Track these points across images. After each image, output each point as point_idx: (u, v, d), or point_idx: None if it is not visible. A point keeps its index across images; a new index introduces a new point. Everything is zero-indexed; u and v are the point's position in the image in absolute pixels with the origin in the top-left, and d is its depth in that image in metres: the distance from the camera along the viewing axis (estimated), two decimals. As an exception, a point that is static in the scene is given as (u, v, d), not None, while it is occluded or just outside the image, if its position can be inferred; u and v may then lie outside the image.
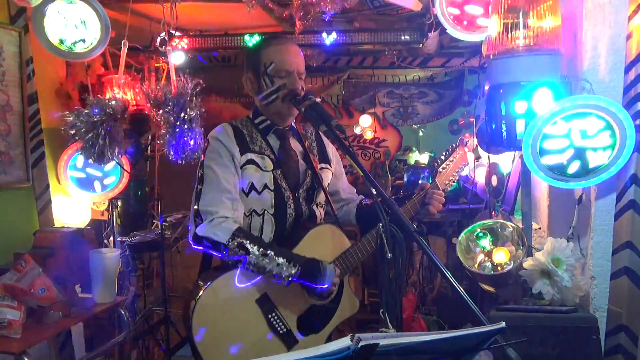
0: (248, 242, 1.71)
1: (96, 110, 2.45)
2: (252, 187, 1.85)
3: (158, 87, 2.51)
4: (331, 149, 2.14)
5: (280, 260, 1.70)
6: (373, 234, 1.82)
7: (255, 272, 1.74)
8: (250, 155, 1.87)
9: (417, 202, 1.94)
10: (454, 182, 2.06)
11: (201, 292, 1.72)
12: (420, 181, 2.09)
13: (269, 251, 1.71)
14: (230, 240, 1.71)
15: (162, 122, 2.45)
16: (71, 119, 2.44)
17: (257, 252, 1.70)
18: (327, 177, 2.05)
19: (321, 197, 2.01)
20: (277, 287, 1.77)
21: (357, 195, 2.19)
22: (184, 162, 2.50)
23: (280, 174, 1.89)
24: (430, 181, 2.02)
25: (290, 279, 1.71)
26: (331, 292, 1.79)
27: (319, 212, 2.01)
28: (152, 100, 2.44)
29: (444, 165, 2.04)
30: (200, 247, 1.78)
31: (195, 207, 1.79)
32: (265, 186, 1.86)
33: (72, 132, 2.43)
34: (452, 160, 2.05)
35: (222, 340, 1.71)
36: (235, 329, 1.73)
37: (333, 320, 1.90)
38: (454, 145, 2.08)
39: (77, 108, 2.51)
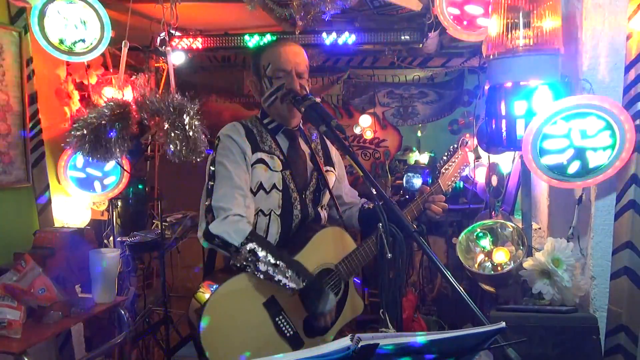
0: (260, 249, 1.69)
1: (102, 110, 2.44)
2: (260, 186, 1.84)
3: (153, 94, 2.49)
4: (334, 153, 2.14)
5: (290, 272, 1.69)
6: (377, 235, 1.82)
7: (261, 278, 1.72)
8: (260, 155, 1.86)
9: (419, 204, 1.94)
10: (455, 182, 2.07)
11: (209, 295, 1.72)
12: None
13: (279, 262, 1.70)
14: (243, 243, 1.69)
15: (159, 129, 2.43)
16: (80, 122, 2.42)
17: (267, 261, 1.69)
18: (331, 179, 2.05)
19: (326, 199, 2.02)
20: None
21: (360, 198, 2.19)
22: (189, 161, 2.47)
23: (289, 175, 1.89)
24: (430, 182, 2.02)
25: (294, 291, 1.71)
26: (325, 318, 1.77)
27: (324, 214, 2.01)
28: (144, 109, 2.41)
29: (446, 166, 2.04)
30: (211, 245, 1.76)
31: (207, 202, 1.77)
32: (274, 186, 1.86)
33: (78, 132, 2.41)
34: (454, 161, 2.04)
35: (229, 343, 1.71)
36: (242, 331, 1.72)
37: (338, 321, 1.90)
38: (455, 146, 2.07)
39: (82, 109, 2.50)
